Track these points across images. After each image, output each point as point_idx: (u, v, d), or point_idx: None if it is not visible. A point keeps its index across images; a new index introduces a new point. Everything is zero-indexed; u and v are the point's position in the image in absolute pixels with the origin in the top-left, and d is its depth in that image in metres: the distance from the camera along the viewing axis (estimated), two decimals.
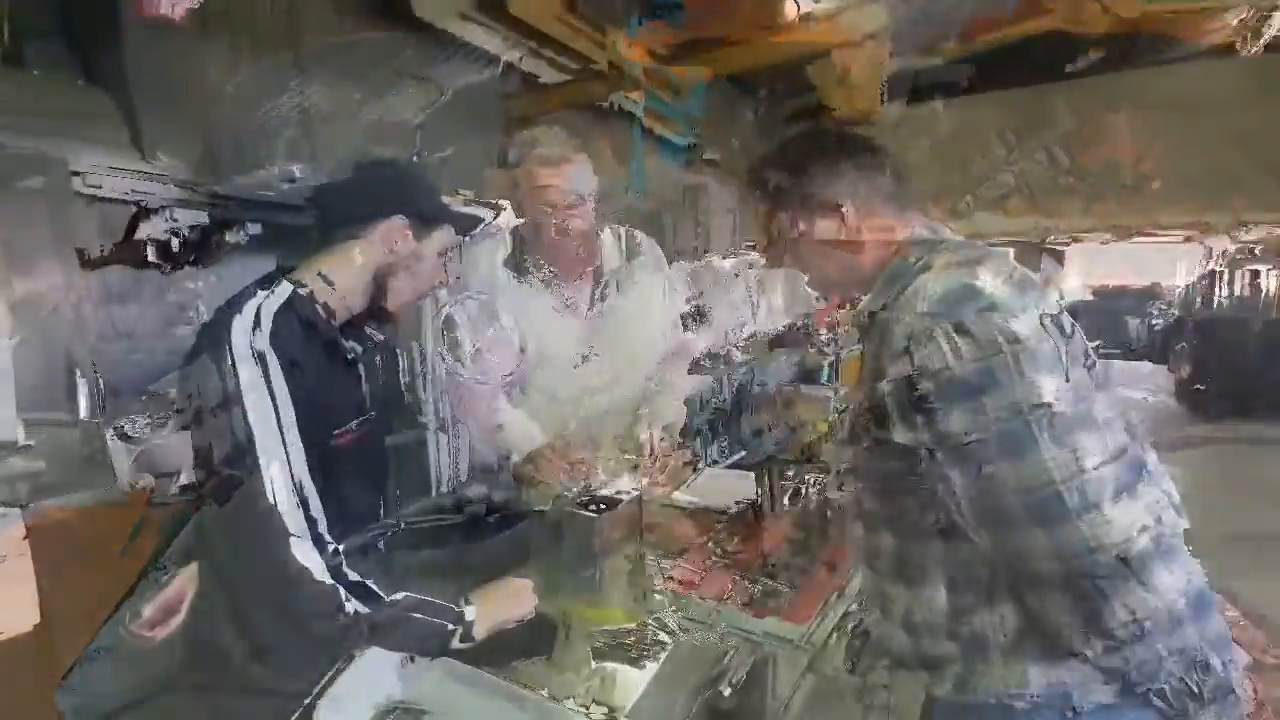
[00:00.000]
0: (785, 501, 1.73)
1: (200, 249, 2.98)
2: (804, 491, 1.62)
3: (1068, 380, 0.84)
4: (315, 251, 1.17)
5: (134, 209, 2.52)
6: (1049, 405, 0.79)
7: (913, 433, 0.87)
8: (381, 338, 1.29)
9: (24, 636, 2.04)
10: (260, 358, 0.99)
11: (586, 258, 1.66)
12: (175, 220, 2.67)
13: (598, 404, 1.69)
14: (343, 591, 0.99)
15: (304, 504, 0.98)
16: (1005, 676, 0.88)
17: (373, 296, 1.18)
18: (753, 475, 1.96)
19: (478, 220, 1.28)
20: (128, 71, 2.60)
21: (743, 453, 4.37)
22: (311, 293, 1.11)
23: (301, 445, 1.00)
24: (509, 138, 1.55)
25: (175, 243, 2.71)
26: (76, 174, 2.28)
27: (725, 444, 4.57)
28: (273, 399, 0.98)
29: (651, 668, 1.07)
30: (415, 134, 4.44)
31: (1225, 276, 9.25)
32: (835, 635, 1.22)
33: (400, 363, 3.43)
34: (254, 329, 1.01)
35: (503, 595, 1.15)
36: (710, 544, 1.48)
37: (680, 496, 1.94)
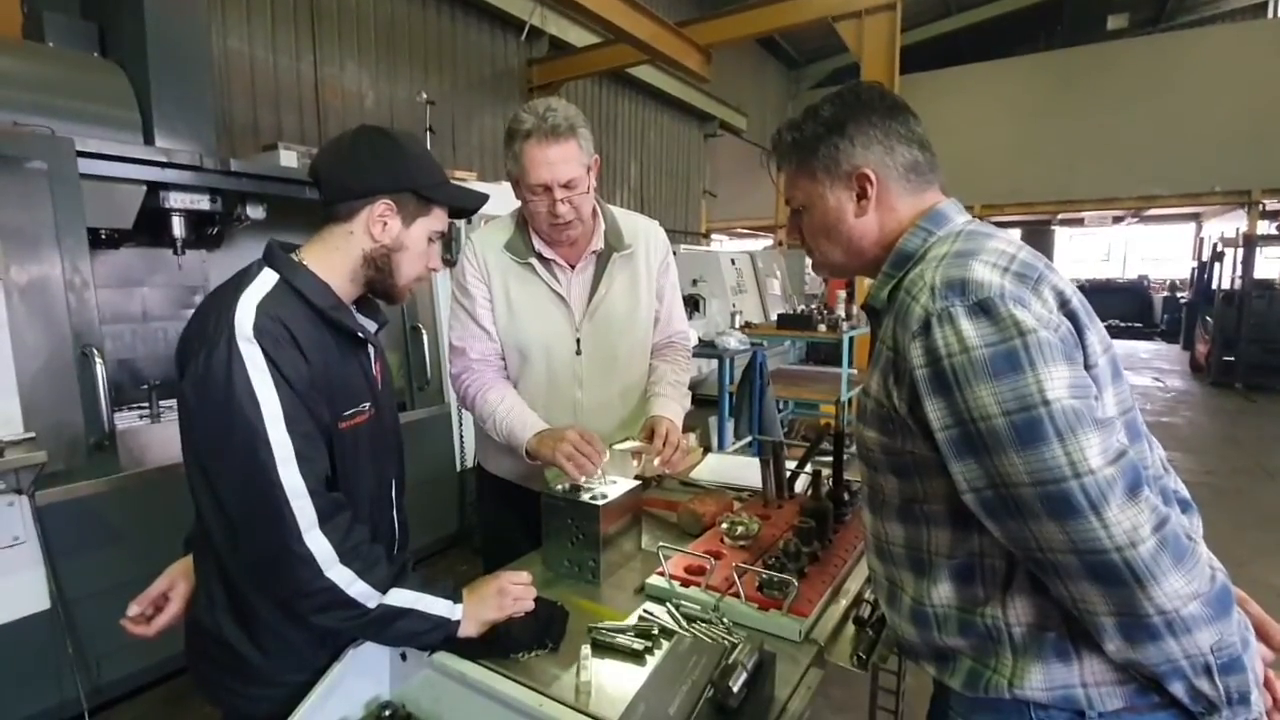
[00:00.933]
0: (794, 488, 1.71)
1: (211, 229, 2.98)
2: (812, 476, 1.60)
3: (1081, 371, 0.80)
4: (309, 233, 1.13)
5: (144, 189, 2.51)
6: (1059, 398, 0.75)
7: (922, 417, 0.84)
8: (387, 320, 1.25)
9: (36, 618, 2.08)
10: (262, 340, 0.96)
11: (584, 241, 1.61)
12: (186, 201, 2.65)
13: (599, 392, 1.66)
14: (342, 585, 0.97)
15: (308, 494, 0.96)
16: (1018, 674, 0.85)
17: (368, 281, 1.14)
18: (749, 461, 1.97)
19: (476, 201, 1.21)
20: (144, 47, 2.58)
21: (750, 436, 4.35)
22: (313, 272, 1.08)
23: (307, 430, 0.98)
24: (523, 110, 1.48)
25: (184, 224, 2.70)
26: (84, 154, 2.25)
27: (735, 427, 4.55)
28: (275, 381, 0.95)
29: (652, 663, 1.05)
30: (426, 109, 4.42)
31: (1242, 254, 9.02)
32: (844, 627, 1.20)
33: (424, 341, 3.45)
34: (255, 310, 0.98)
35: (494, 591, 1.12)
36: (724, 526, 1.46)
37: (700, 475, 1.93)
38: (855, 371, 5.08)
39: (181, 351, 1.03)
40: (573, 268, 1.62)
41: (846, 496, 1.59)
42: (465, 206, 1.21)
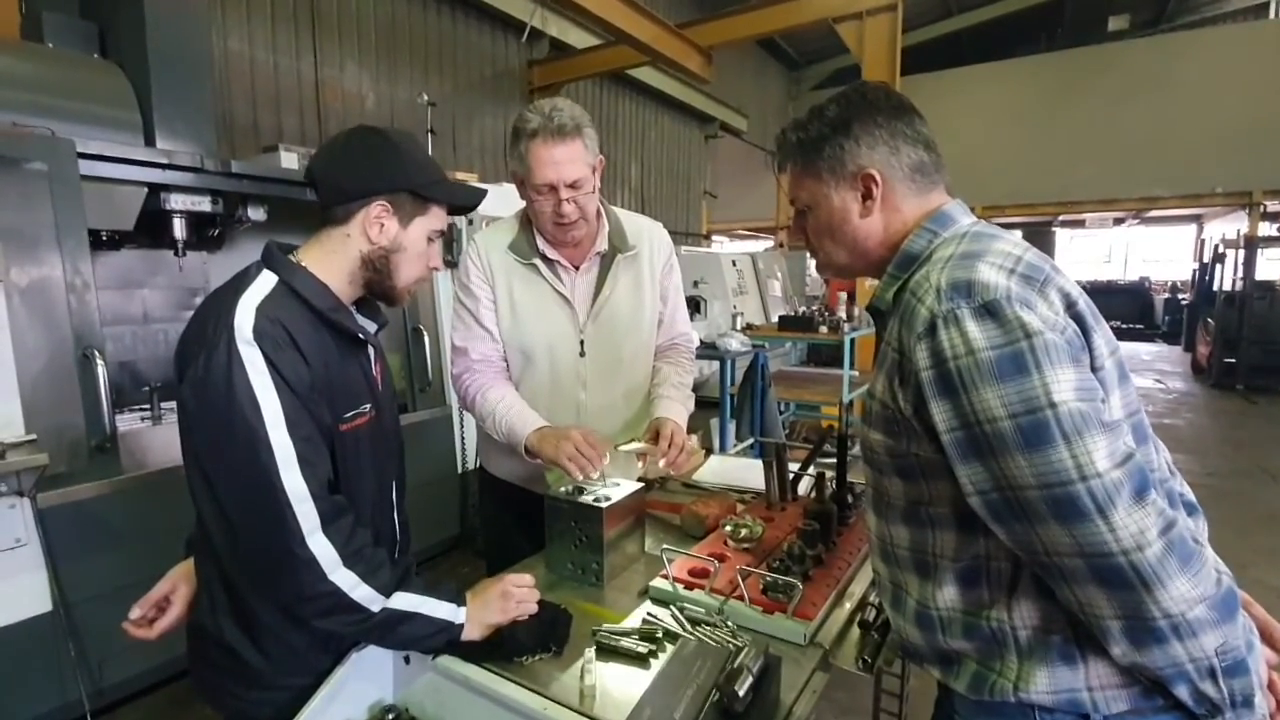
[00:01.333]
0: (797, 490, 1.71)
1: (212, 231, 2.98)
2: (815, 479, 1.59)
3: (1088, 374, 0.80)
4: (310, 234, 1.12)
5: (145, 191, 2.51)
6: (1066, 400, 0.75)
7: (927, 419, 0.83)
8: (387, 320, 1.24)
9: (38, 620, 2.08)
10: (261, 342, 0.95)
11: (588, 243, 1.61)
12: (187, 203, 2.65)
13: (603, 393, 1.66)
14: (345, 589, 0.97)
15: (310, 498, 0.95)
16: (1023, 677, 0.85)
17: (367, 282, 1.12)
18: (751, 462, 1.96)
19: (475, 197, 1.19)
20: (144, 48, 2.58)
21: (752, 439, 4.35)
22: (312, 274, 1.07)
23: (308, 433, 0.97)
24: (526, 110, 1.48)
25: (185, 225, 2.69)
26: (84, 156, 2.25)
27: (737, 428, 4.55)
28: (276, 384, 0.94)
29: (656, 667, 1.05)
30: (427, 111, 4.41)
31: (1243, 256, 9.02)
32: (849, 630, 1.20)
33: (425, 342, 3.45)
34: (254, 313, 0.97)
35: (497, 595, 1.12)
36: (728, 528, 1.45)
37: (703, 477, 1.92)
38: (857, 373, 5.08)
39: (181, 354, 1.02)
40: (576, 269, 1.61)
41: (850, 499, 1.59)
42: (464, 204, 1.19)
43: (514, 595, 1.12)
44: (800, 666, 1.07)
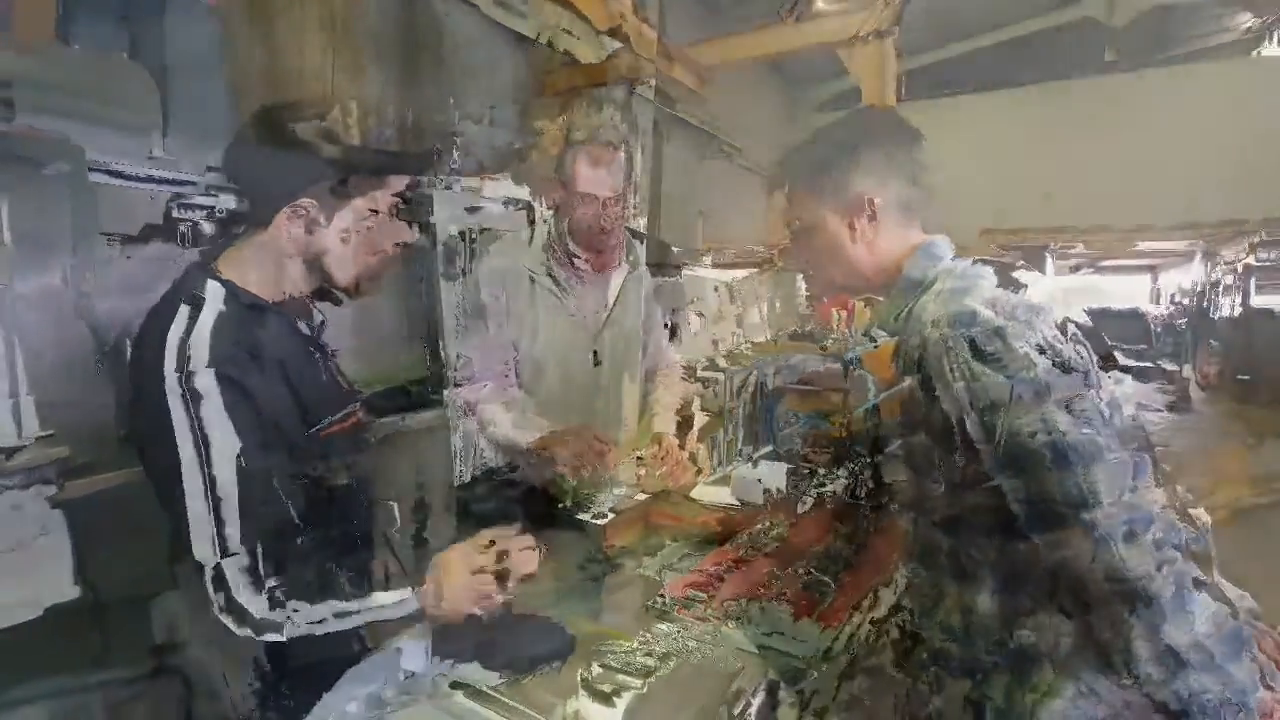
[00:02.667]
0: (811, 496, 1.69)
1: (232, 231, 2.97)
2: (826, 486, 1.59)
3: (1093, 404, 0.83)
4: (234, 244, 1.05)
5: (163, 194, 2.53)
6: (1069, 431, 0.79)
7: (960, 432, 0.85)
8: (324, 316, 1.16)
9: (64, 607, 2.05)
10: (227, 371, 0.90)
11: (609, 255, 1.64)
12: (207, 205, 2.67)
13: (612, 403, 1.68)
14: (277, 619, 0.92)
15: (240, 539, 0.90)
16: (1053, 693, 0.85)
17: (315, 279, 1.05)
18: (767, 470, 1.93)
19: (417, 159, 1.17)
20: (165, 54, 2.62)
21: (767, 449, 4.36)
22: (244, 289, 0.99)
23: (269, 464, 0.93)
24: (542, 118, 1.54)
25: (198, 230, 2.71)
26: (98, 162, 2.28)
27: (745, 443, 4.55)
28: (233, 415, 0.90)
29: (658, 686, 1.01)
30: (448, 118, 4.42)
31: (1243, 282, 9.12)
32: (877, 639, 1.17)
33: (426, 349, 3.44)
34: (208, 347, 0.91)
35: (465, 583, 1.01)
36: (745, 538, 1.45)
37: (703, 492, 1.93)
38: (872, 379, 5.07)
39: (136, 385, 0.96)
40: (595, 278, 1.64)
41: (875, 506, 1.53)
42: (407, 168, 1.13)
43: (482, 583, 1.02)
44: (825, 674, 1.05)
